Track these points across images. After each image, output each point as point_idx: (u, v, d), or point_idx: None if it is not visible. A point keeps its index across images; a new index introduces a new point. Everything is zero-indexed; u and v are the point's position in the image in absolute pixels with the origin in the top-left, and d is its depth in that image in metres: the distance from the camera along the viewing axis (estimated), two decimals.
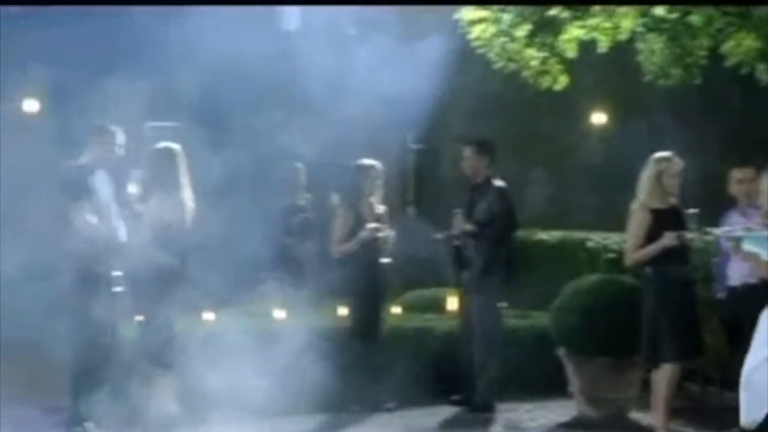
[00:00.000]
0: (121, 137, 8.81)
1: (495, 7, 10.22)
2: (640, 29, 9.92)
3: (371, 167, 9.91)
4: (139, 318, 8.56)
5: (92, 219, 8.44)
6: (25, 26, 12.28)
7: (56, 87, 12.56)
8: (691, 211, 8.48)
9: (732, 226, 8.49)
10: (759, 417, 4.17)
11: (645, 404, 8.96)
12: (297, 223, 12.13)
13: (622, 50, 10.29)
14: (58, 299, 8.46)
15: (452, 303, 10.30)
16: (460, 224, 9.63)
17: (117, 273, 8.53)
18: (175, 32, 11.61)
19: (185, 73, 11.72)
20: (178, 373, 8.45)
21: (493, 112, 13.65)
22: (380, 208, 9.92)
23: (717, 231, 8.49)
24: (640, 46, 10.18)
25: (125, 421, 8.26)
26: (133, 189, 8.96)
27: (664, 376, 8.43)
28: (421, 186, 15.27)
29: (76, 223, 8.41)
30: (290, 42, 13.48)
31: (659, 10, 9.74)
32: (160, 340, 8.29)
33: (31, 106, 13.34)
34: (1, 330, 9.71)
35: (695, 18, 9.71)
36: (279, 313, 9.81)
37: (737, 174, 8.79)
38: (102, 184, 8.71)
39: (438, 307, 10.64)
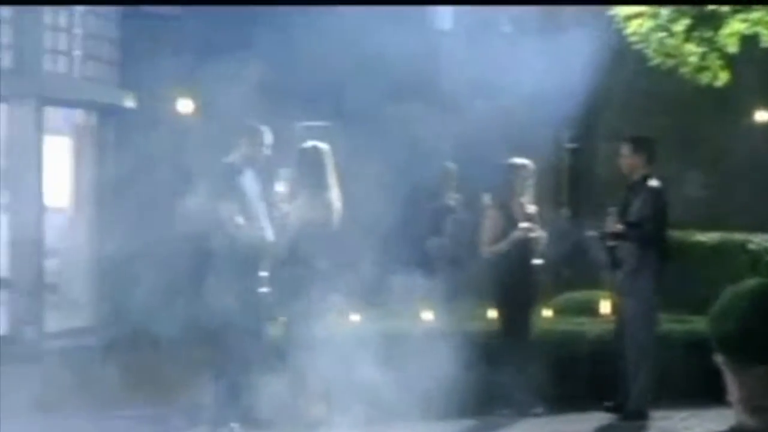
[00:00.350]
0: (268, 137, 8.78)
1: None
2: None
3: (523, 166, 9.69)
4: (283, 318, 8.50)
5: (240, 219, 8.43)
6: (179, 26, 12.43)
7: (210, 87, 12.65)
8: None
9: None
10: None
11: None
12: (447, 224, 12.01)
13: None
14: (202, 298, 8.45)
15: (605, 306, 10.01)
16: (612, 224, 9.35)
17: (263, 273, 8.51)
18: (327, 32, 11.61)
19: (338, 74, 11.72)
20: (323, 375, 8.36)
21: (649, 110, 13.30)
22: (531, 208, 9.70)
23: None
24: None
25: (269, 422, 8.22)
26: (280, 188, 8.96)
27: None
28: (576, 185, 14.97)
29: (225, 222, 8.41)
30: (443, 41, 13.39)
31: None
32: (304, 340, 8.21)
33: (185, 106, 13.48)
34: (145, 327, 9.87)
35: None
36: (426, 315, 9.66)
37: None
38: (249, 183, 8.70)
39: (591, 310, 10.35)
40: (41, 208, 11.75)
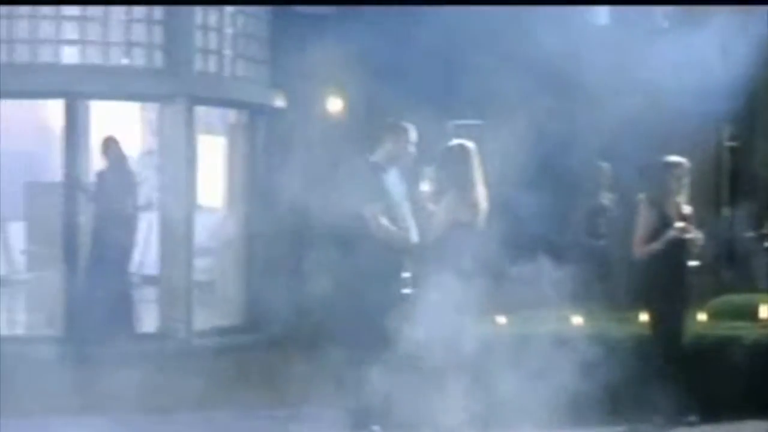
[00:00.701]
0: (413, 134, 8.63)
1: None
2: None
3: (678, 165, 9.32)
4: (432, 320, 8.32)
5: (383, 219, 8.30)
6: (329, 25, 12.38)
7: (358, 85, 12.60)
8: None
9: None
10: None
11: None
12: (601, 224, 11.74)
13: None
14: (346, 299, 8.34)
15: (765, 310, 9.59)
16: None
17: (406, 274, 8.36)
18: (476, 29, 11.44)
19: (488, 71, 11.52)
20: (470, 378, 8.17)
21: None
22: (687, 208, 9.33)
23: None
24: None
25: (412, 425, 8.07)
26: (425, 187, 8.82)
27: None
28: (736, 185, 14.45)
29: (368, 222, 8.29)
30: (598, 36, 13.06)
31: None
32: (453, 342, 8.02)
33: (334, 104, 13.45)
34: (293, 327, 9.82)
35: None
36: (576, 318, 9.38)
37: None
38: (394, 182, 8.56)
39: (749, 314, 9.91)
40: (192, 207, 11.79)
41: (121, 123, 14.89)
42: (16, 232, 13.56)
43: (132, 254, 12.52)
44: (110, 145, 12.19)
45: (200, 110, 17.20)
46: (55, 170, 12.42)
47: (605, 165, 11.98)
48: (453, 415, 8.13)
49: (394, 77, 11.58)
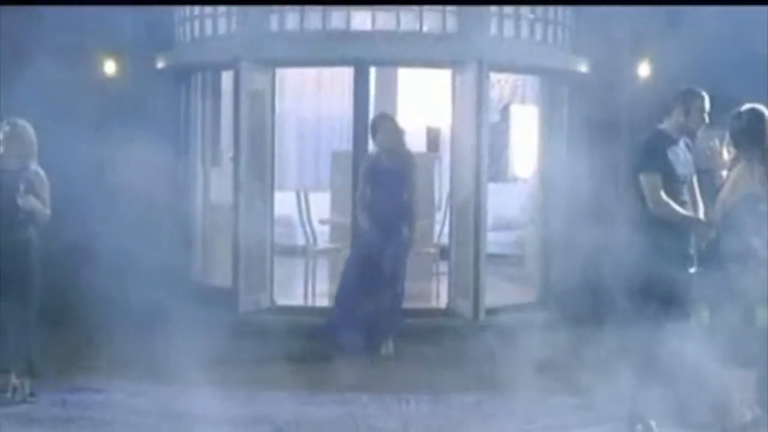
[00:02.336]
0: (706, 102, 7.80)
1: None
2: None
3: None
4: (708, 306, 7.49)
5: (660, 193, 7.55)
6: None
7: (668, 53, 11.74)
8: None
9: None
10: None
11: None
12: None
13: None
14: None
15: None
16: None
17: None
18: None
19: None
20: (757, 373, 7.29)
21: None
22: None
23: None
24: None
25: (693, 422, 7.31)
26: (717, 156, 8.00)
27: None
28: None
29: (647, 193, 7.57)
30: None
31: None
32: (728, 332, 7.15)
33: (643, 70, 12.57)
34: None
35: None
36: None
37: None
38: (681, 152, 7.78)
39: None
40: (480, 178, 11.24)
41: (427, 90, 14.69)
42: (320, 203, 13.48)
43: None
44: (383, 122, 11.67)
45: (514, 79, 16.92)
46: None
47: None
48: (739, 414, 7.29)
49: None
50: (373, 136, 10.70)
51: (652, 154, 7.67)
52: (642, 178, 7.62)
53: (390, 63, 12.18)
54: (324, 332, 10.53)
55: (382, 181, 10.54)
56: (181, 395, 8.65)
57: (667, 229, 7.57)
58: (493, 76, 16.16)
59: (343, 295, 10.66)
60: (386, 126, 10.62)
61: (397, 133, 10.64)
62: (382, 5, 11.29)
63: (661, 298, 7.45)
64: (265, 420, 8.11)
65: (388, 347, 10.46)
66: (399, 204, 10.50)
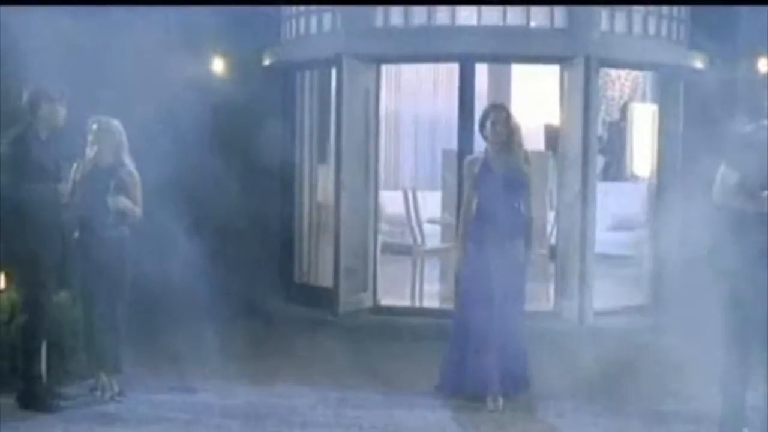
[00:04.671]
0: None
1: None
2: None
3: None
4: None
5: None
6: None
7: None
8: None
9: None
10: None
11: None
12: None
13: None
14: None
15: None
16: None
17: None
18: None
19: None
20: None
21: None
22: None
23: None
24: None
25: None
26: None
27: None
28: None
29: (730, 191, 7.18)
30: None
31: None
32: None
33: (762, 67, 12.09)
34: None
35: None
36: None
37: None
38: None
39: None
40: (588, 177, 10.89)
41: (544, 87, 14.36)
42: (430, 202, 13.29)
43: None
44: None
45: (635, 77, 16.43)
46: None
47: None
48: None
49: None
50: (481, 130, 8.69)
51: (740, 150, 7.28)
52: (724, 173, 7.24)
53: (495, 59, 11.94)
54: (445, 388, 8.79)
55: (493, 189, 8.51)
56: (271, 396, 8.55)
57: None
58: (613, 73, 15.92)
59: (456, 346, 8.74)
60: (499, 118, 8.57)
61: (512, 128, 8.58)
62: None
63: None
64: (353, 424, 7.93)
65: (496, 402, 8.47)
66: (514, 219, 8.51)
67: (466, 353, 8.54)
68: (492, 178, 8.51)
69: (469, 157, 9.15)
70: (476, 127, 9.01)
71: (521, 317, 8.57)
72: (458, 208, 9.56)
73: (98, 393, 8.36)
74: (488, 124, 8.58)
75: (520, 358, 8.63)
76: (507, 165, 8.53)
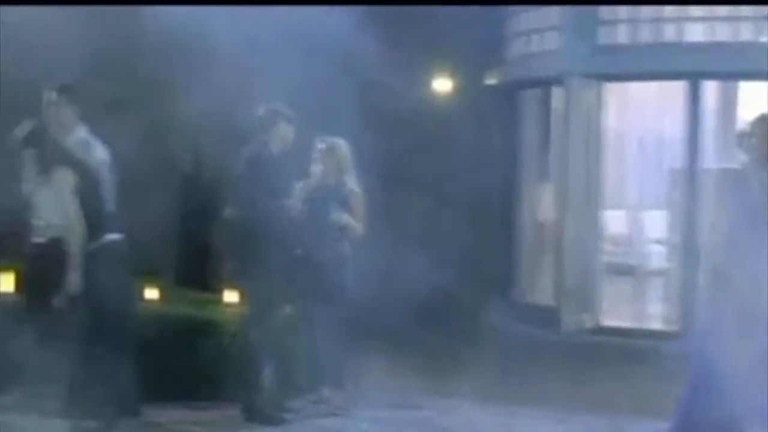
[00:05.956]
0: None
1: None
2: None
3: None
4: None
5: None
6: None
7: None
8: None
9: None
10: None
11: None
12: None
13: None
14: None
15: None
16: None
17: None
18: None
19: None
20: None
21: None
22: None
23: None
24: None
25: None
26: None
27: None
28: None
29: None
30: None
31: None
32: None
33: None
34: None
35: None
36: None
37: None
38: None
39: None
40: None
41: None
42: (655, 221, 13.02)
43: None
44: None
45: None
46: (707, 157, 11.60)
47: None
48: None
49: None
50: (741, 144, 7.17)
51: None
52: None
53: (724, 77, 11.59)
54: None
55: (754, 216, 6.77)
56: (491, 415, 8.50)
57: None
58: None
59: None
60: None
61: None
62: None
63: None
64: None
65: None
66: None
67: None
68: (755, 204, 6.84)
69: (730, 173, 7.70)
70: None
71: None
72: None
73: (321, 406, 8.48)
74: (753, 135, 6.98)
75: None
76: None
